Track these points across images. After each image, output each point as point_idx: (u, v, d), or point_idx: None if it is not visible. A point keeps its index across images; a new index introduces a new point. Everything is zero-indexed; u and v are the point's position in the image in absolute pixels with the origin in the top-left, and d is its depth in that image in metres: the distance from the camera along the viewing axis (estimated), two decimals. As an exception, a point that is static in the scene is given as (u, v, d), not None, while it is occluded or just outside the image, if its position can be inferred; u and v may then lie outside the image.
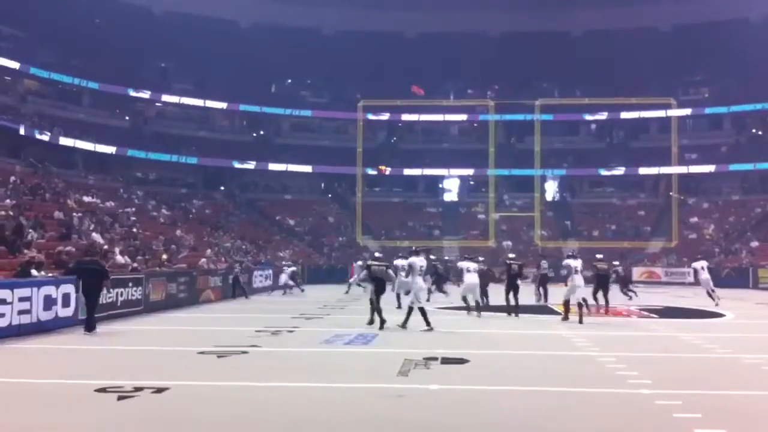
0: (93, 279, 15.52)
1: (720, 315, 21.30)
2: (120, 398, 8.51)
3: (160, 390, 8.94)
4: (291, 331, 16.02)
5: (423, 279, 17.21)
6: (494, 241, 51.60)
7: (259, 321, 18.11)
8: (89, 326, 15.21)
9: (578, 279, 18.52)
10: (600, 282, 21.09)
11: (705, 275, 25.34)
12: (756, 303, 26.52)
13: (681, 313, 22.20)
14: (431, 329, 15.68)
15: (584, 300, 18.67)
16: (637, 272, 45.43)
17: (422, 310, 16.14)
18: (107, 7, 50.38)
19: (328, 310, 22.03)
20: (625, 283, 28.41)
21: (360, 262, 29.54)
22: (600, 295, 21.00)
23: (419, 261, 16.68)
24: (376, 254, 20.11)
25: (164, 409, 8.06)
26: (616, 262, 24.31)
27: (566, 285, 19.20)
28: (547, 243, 50.71)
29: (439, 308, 23.01)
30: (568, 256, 20.22)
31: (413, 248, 18.70)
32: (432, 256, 28.27)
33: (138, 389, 8.95)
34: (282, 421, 7.55)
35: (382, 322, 16.24)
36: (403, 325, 15.98)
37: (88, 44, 49.52)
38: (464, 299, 20.38)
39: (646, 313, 21.79)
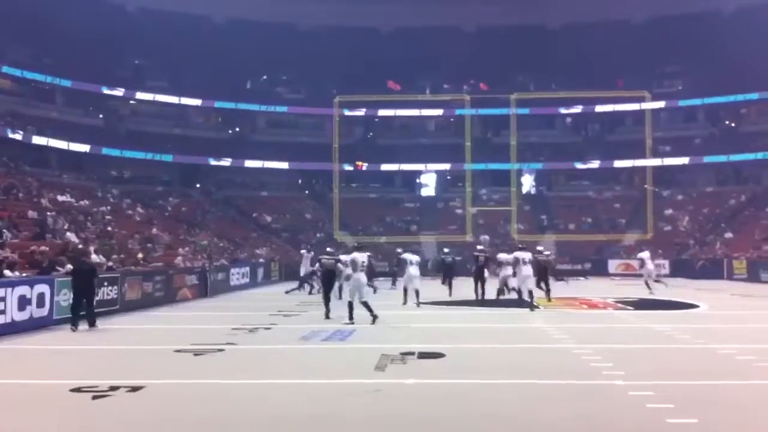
0: (87, 278, 16.33)
1: (694, 306, 21.53)
2: (95, 397, 8.49)
3: (135, 389, 8.92)
4: (268, 329, 15.99)
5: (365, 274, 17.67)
6: (471, 235, 51.72)
7: (236, 319, 18.04)
8: (91, 322, 16.14)
9: (526, 269, 19.82)
10: (540, 272, 22.34)
11: (650, 266, 27.15)
12: (730, 294, 26.82)
13: (655, 304, 22.39)
14: (375, 317, 16.16)
15: (527, 290, 19.86)
16: (613, 265, 45.82)
17: (365, 304, 16.54)
18: (80, 5, 49.81)
19: (306, 307, 21.98)
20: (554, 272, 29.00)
21: (304, 251, 29.62)
22: (544, 284, 22.51)
23: (361, 257, 17.22)
24: (328, 249, 21.04)
25: (139, 408, 8.03)
26: (548, 252, 25.18)
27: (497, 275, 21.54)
28: (524, 237, 50.90)
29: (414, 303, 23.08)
30: (506, 251, 22.98)
31: (356, 244, 19.50)
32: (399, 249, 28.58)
33: (113, 388, 8.93)
34: (260, 418, 7.56)
35: (374, 317, 16.31)
36: (350, 320, 16.31)
37: (61, 42, 48.93)
38: (405, 289, 22.01)
39: (621, 305, 21.98)
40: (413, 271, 21.58)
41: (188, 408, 7.98)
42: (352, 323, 16.08)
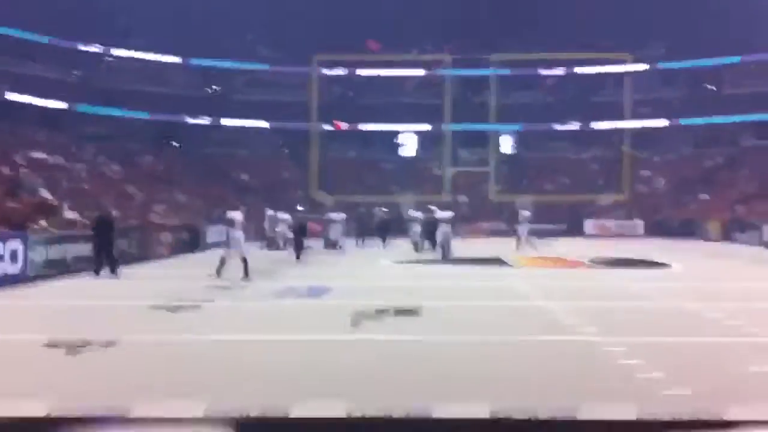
0: (106, 230, 18.51)
1: (667, 266, 21.76)
2: (68, 353, 8.43)
3: (109, 344, 8.87)
4: (244, 286, 15.99)
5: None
6: (450, 195, 51.83)
7: (213, 276, 17.99)
8: (112, 269, 18.04)
9: (443, 227, 24.57)
10: (426, 228, 27.04)
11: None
12: (703, 254, 27.13)
13: (629, 263, 22.63)
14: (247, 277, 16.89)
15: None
16: (589, 225, 46.17)
17: (245, 260, 17.43)
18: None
19: (282, 265, 22.01)
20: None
21: (271, 212, 30.25)
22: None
23: (238, 215, 18.77)
24: (299, 207, 23.21)
25: (112, 363, 8.00)
26: (433, 207, 27.26)
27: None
28: (502, 197, 51.11)
29: (396, 261, 23.25)
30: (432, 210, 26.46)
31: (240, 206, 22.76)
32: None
33: (86, 343, 8.87)
34: (234, 372, 7.55)
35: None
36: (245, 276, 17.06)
37: (36, -3, 47.95)
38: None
39: (596, 264, 22.18)
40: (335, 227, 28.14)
41: (161, 363, 7.97)
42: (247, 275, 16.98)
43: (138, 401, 6.31)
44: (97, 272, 17.90)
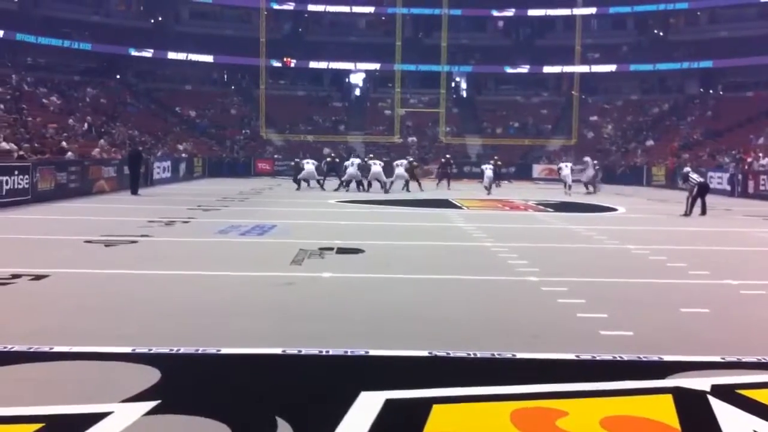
0: (135, 160, 24.90)
1: (612, 209, 21.98)
2: (-4, 285, 8.10)
3: (39, 277, 8.57)
4: (186, 222, 15.65)
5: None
6: (399, 136, 51.59)
7: (154, 212, 17.61)
8: (134, 191, 24.00)
9: (398, 170, 28.97)
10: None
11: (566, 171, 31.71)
12: (648, 199, 27.49)
13: (575, 207, 22.80)
14: None
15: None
16: (537, 169, 46.45)
17: None
18: None
19: (227, 203, 21.64)
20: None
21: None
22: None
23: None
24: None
25: (40, 296, 7.70)
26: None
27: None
28: (451, 140, 51.04)
29: (341, 201, 23.07)
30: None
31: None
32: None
33: (15, 276, 8.56)
34: (165, 305, 7.31)
35: None
36: None
37: None
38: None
39: (542, 207, 22.29)
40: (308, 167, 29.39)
41: (92, 297, 7.67)
42: None
43: (64, 335, 6.08)
44: (134, 192, 24.01)
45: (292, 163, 33.92)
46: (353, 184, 28.41)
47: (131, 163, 24.62)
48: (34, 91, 41.53)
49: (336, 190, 28.24)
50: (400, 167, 29.32)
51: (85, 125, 37.03)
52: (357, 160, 30.03)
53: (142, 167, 28.03)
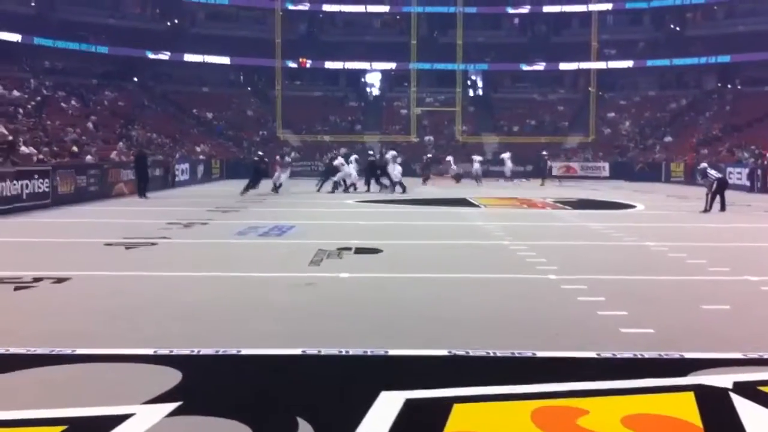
0: (141, 163, 24.63)
1: (631, 206, 21.86)
2: (17, 288, 8.19)
3: (60, 280, 8.64)
4: (205, 224, 15.72)
5: None
6: (416, 136, 51.56)
7: (173, 214, 17.70)
8: (142, 194, 23.89)
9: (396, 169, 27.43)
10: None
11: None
12: (666, 195, 27.32)
13: (594, 204, 22.70)
14: None
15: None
16: (555, 167, 46.26)
17: None
18: None
19: (245, 204, 21.72)
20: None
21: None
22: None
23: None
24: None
25: (62, 299, 7.76)
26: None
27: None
28: (468, 139, 50.93)
29: (359, 201, 23.11)
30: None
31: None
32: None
33: (37, 279, 8.64)
34: (185, 307, 7.34)
35: None
36: None
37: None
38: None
39: (560, 204, 22.21)
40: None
41: (113, 299, 7.73)
42: None
43: (86, 338, 6.13)
44: (141, 195, 23.80)
45: (327, 161, 33.02)
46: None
47: (137, 166, 24.56)
48: (53, 95, 41.81)
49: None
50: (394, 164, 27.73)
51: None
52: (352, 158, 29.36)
53: (164, 169, 28.45)
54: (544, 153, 39.55)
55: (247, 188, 26.08)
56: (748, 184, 30.16)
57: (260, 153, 30.64)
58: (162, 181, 29.01)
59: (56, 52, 49.81)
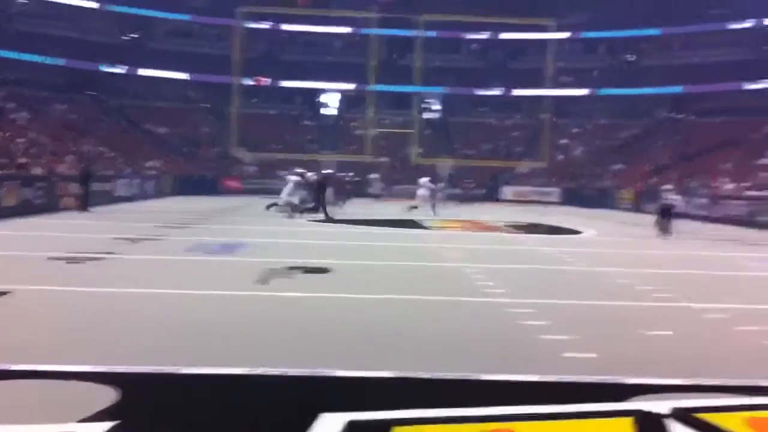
0: (86, 178, 24.65)
1: (581, 232, 22.12)
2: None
3: (0, 294, 8.40)
4: (153, 240, 15.49)
5: None
6: (372, 156, 51.62)
7: (120, 229, 17.43)
8: (84, 208, 23.63)
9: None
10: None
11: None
12: (615, 222, 27.72)
13: (544, 229, 22.93)
14: None
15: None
16: (508, 191, 46.76)
17: None
18: None
19: (196, 221, 21.48)
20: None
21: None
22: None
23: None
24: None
25: (0, 313, 7.55)
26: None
27: None
28: (424, 160, 51.14)
29: (311, 221, 23.01)
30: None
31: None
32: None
33: (-26, 294, 8.39)
34: (127, 323, 7.20)
35: None
36: None
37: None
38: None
39: (512, 228, 22.39)
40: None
41: (53, 315, 7.56)
42: None
43: (23, 353, 5.96)
44: (84, 209, 23.62)
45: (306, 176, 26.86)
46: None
47: (82, 181, 24.68)
48: (3, 105, 40.95)
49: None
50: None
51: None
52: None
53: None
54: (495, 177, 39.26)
55: (313, 209, 25.01)
56: (697, 212, 30.70)
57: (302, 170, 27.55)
58: (108, 196, 28.54)
59: (10, 62, 48.74)
